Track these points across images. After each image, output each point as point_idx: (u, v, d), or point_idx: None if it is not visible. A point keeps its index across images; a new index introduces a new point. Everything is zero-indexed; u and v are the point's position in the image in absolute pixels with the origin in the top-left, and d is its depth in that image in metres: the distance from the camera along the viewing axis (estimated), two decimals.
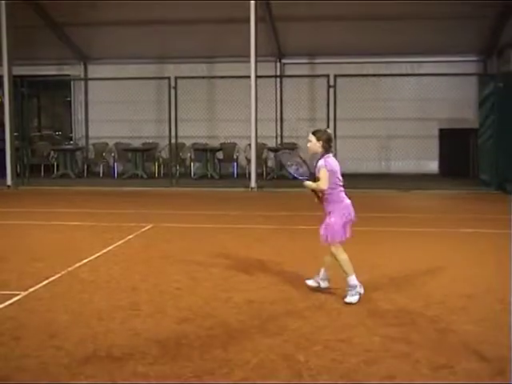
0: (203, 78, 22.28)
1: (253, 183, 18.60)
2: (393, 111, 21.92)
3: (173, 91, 19.21)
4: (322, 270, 7.01)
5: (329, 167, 6.53)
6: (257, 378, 4.68)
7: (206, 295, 7.01)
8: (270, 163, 22.31)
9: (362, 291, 6.66)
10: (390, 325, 5.92)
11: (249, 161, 19.96)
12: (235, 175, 22.00)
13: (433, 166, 22.49)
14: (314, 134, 6.64)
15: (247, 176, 19.81)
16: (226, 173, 22.29)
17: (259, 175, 19.46)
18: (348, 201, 6.73)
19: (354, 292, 6.60)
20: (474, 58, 22.94)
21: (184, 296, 6.98)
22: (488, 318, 6.18)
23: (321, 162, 6.56)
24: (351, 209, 6.72)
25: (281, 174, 20.94)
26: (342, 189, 6.70)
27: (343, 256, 6.70)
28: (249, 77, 18.47)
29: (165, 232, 11.39)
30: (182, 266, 8.51)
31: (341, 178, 6.69)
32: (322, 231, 6.75)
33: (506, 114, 17.83)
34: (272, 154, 22.24)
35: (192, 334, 5.66)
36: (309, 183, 6.68)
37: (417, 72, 22.00)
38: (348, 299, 6.56)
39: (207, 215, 13.68)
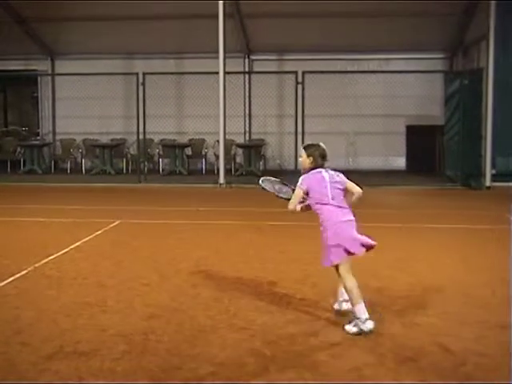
0: (171, 73, 22.21)
1: (221, 179, 18.59)
2: (361, 108, 22.05)
3: (141, 87, 19.12)
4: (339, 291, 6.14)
5: (305, 185, 5.95)
6: (224, 372, 4.72)
7: (174, 291, 7.02)
8: (238, 159, 22.32)
9: (367, 327, 5.55)
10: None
11: (217, 157, 19.96)
12: (204, 171, 21.98)
13: (400, 163, 22.68)
14: (305, 148, 6.08)
15: (216, 172, 19.81)
16: (194, 169, 22.25)
17: (228, 171, 19.46)
18: (345, 219, 5.93)
19: (355, 323, 5.63)
20: (441, 56, 23.17)
21: (151, 292, 6.98)
22: (451, 311, 6.27)
23: (300, 180, 6.03)
24: (348, 231, 5.90)
25: (249, 169, 20.98)
26: (332, 205, 5.92)
27: (349, 283, 5.75)
28: (217, 73, 18.45)
29: (133, 228, 11.36)
30: (149, 262, 8.51)
31: (329, 194, 5.93)
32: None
33: (470, 111, 18.07)
34: (240, 150, 22.26)
35: (159, 330, 5.68)
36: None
37: (384, 69, 22.17)
38: (348, 327, 5.63)
39: (176, 211, 13.66)
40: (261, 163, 22.14)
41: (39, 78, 24.83)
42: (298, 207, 6.06)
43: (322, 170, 6.02)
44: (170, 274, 7.85)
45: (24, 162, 22.51)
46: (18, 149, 22.85)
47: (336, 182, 6.05)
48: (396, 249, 9.46)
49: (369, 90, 21.99)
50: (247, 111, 23.23)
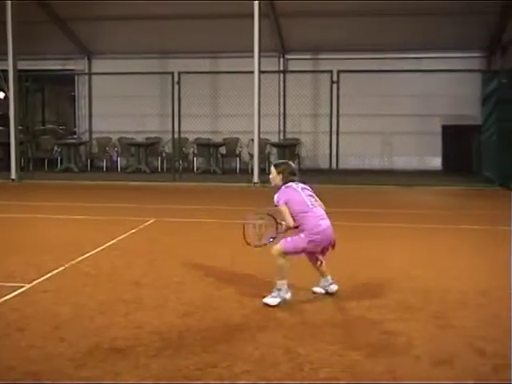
0: (207, 73, 22.33)
1: (256, 178, 18.64)
2: (396, 107, 21.94)
3: (176, 86, 19.26)
4: (322, 280, 6.79)
5: (282, 200, 6.38)
6: (259, 370, 4.74)
7: (209, 289, 7.06)
8: (272, 158, 22.33)
9: (287, 296, 6.38)
10: (391, 320, 5.97)
11: (251, 156, 20.01)
12: (238, 170, 22.04)
13: (436, 162, 22.51)
14: (275, 166, 6.60)
15: (250, 171, 19.85)
16: (228, 168, 22.34)
17: (262, 170, 19.50)
18: (324, 224, 6.38)
19: (275, 294, 6.36)
20: (478, 54, 22.92)
21: (186, 290, 7.03)
22: (489, 314, 6.22)
23: (275, 198, 6.44)
24: (327, 235, 6.39)
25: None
26: (314, 212, 6.40)
27: (283, 261, 6.33)
28: (252, 72, 18.51)
29: (167, 226, 11.45)
30: (184, 260, 8.56)
31: (307, 201, 6.43)
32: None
33: (509, 111, 17.84)
34: (275, 150, 22.27)
35: (194, 328, 5.72)
36: (283, 228, 6.50)
37: (420, 68, 21.99)
38: (267, 300, 6.34)
39: (210, 210, 13.73)
40: (295, 162, 22.09)
41: (76, 77, 25.12)
42: (291, 223, 6.40)
43: (292, 184, 6.50)
44: (204, 272, 7.89)
45: (61, 160, 22.81)
46: (56, 147, 23.14)
47: (307, 189, 6.58)
48: (434, 250, 9.41)
49: (404, 89, 21.86)
50: (282, 110, 23.24)
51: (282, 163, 6.67)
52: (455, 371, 4.76)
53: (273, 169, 6.56)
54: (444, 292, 6.97)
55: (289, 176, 6.50)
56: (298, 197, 6.38)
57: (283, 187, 6.48)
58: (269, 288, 7.03)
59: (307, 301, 6.60)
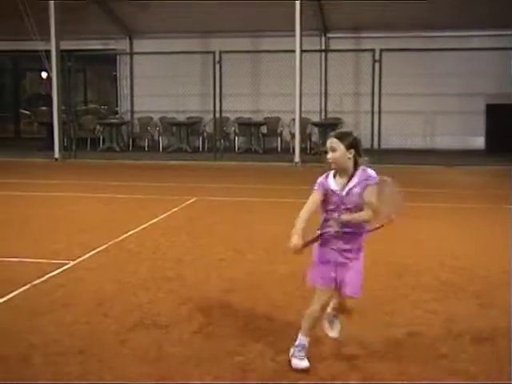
0: (248, 52, 22.24)
1: (297, 158, 18.59)
2: (439, 86, 21.60)
3: (217, 65, 19.25)
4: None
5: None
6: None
7: (250, 267, 7.09)
8: (314, 138, 22.22)
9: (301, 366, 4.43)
10: (433, 299, 5.94)
11: (293, 135, 19.94)
12: (279, 150, 22.00)
13: (479, 142, 22.15)
14: (340, 138, 4.41)
15: (291, 151, 19.80)
16: (269, 147, 22.30)
17: (303, 150, 19.41)
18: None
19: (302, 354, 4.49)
20: None
21: (228, 267, 7.08)
22: None
23: (369, 174, 4.47)
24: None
25: (324, 149, 20.91)
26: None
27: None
28: (293, 51, 18.39)
29: (209, 205, 11.50)
30: (226, 239, 8.61)
31: None
32: (352, 278, 4.53)
33: None
34: (316, 129, 22.16)
35: (236, 305, 5.76)
36: (352, 217, 4.43)
37: (464, 46, 21.61)
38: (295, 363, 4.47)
39: (251, 189, 13.75)
40: None
41: (118, 57, 25.24)
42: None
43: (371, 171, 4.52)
44: (246, 250, 7.93)
45: (103, 139, 22.99)
46: (98, 127, 23.32)
47: None
48: (476, 229, 9.31)
49: (447, 68, 21.53)
50: (323, 89, 23.09)
51: (349, 134, 4.50)
52: (496, 348, 4.73)
53: (337, 142, 4.38)
54: (487, 271, 6.90)
55: (361, 155, 4.52)
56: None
57: (364, 171, 4.48)
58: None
59: None
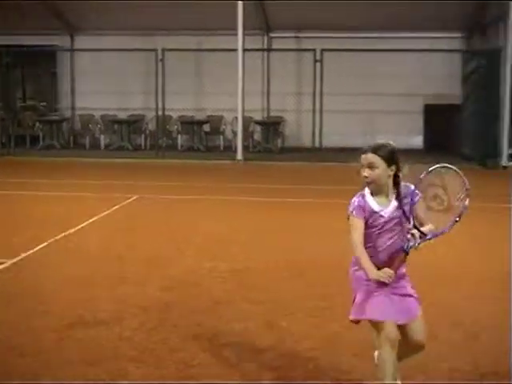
0: (191, 50, 22.20)
1: (239, 156, 18.67)
2: (379, 86, 21.93)
3: (160, 63, 19.18)
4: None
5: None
6: (242, 342, 4.82)
7: (191, 264, 7.12)
8: (256, 136, 22.34)
9: None
10: None
11: (235, 133, 20.02)
12: (221, 148, 22.04)
13: (418, 141, 22.61)
14: (379, 154, 3.78)
15: (234, 149, 19.87)
16: (212, 145, 22.31)
17: (245, 148, 19.50)
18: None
19: None
20: (458, 35, 23.00)
21: (169, 265, 7.09)
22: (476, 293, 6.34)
23: (412, 190, 3.87)
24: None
25: (267, 147, 21.07)
26: None
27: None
28: (236, 50, 18.47)
29: (150, 203, 11.47)
30: (167, 236, 8.62)
31: None
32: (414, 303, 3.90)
33: (488, 91, 18.00)
34: (258, 128, 22.28)
35: (177, 302, 5.79)
36: (428, 228, 3.83)
37: (403, 47, 21.98)
38: None
39: (193, 186, 13.74)
40: (279, 140, 22.17)
41: (58, 54, 24.90)
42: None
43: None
44: (186, 247, 7.96)
45: (43, 137, 22.65)
46: (37, 124, 22.96)
47: None
48: None
49: (388, 68, 21.86)
50: (265, 88, 23.21)
51: (388, 146, 3.86)
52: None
53: (376, 158, 3.77)
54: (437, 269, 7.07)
55: (401, 169, 3.92)
56: None
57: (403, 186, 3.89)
58: (249, 263, 7.10)
59: (289, 276, 6.68)
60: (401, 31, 22.08)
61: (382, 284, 3.70)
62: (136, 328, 5.10)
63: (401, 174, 3.89)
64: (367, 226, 3.80)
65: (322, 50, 18.54)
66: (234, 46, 18.53)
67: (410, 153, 16.19)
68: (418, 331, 3.83)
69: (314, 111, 18.91)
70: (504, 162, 17.72)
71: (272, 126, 22.01)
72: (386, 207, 3.81)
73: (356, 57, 21.39)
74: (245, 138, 19.69)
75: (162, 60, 19.17)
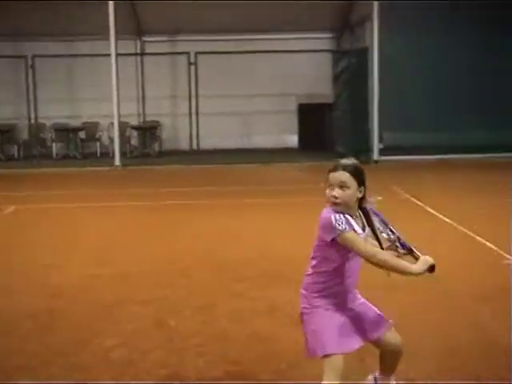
0: (62, 56, 21.85)
1: (117, 161, 18.57)
2: (254, 87, 22.36)
3: (30, 70, 18.79)
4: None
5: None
6: (132, 342, 4.93)
7: (77, 271, 7.13)
8: (133, 141, 22.26)
9: None
10: (255, 287, 6.30)
11: (112, 140, 19.89)
12: (98, 154, 21.82)
13: (293, 140, 23.21)
14: (352, 173, 3.54)
15: (111, 155, 19.74)
16: (89, 152, 22.04)
17: (123, 154, 19.43)
18: None
19: None
20: (329, 35, 23.80)
21: (55, 273, 7.06)
22: None
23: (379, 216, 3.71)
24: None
25: (145, 151, 21.06)
26: None
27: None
28: (109, 55, 18.36)
29: (29, 213, 11.27)
30: (50, 245, 8.55)
31: None
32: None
33: (358, 89, 18.77)
34: (135, 133, 22.22)
35: (65, 308, 5.81)
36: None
37: (276, 49, 22.48)
38: None
39: (73, 195, 13.58)
40: (156, 145, 22.18)
41: None
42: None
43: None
44: (71, 254, 7.94)
45: None
46: None
47: None
48: (294, 222, 9.82)
49: (261, 69, 22.34)
50: (141, 93, 23.17)
51: (359, 167, 3.61)
52: None
53: (349, 178, 3.53)
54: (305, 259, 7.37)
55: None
56: None
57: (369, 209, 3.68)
58: (136, 267, 7.20)
59: (174, 277, 6.83)
60: (273, 33, 22.58)
61: (341, 306, 3.59)
62: (26, 336, 5.12)
63: (368, 197, 3.65)
64: (341, 247, 3.51)
65: (196, 53, 18.73)
66: (106, 51, 18.40)
67: (285, 152, 16.83)
68: (394, 336, 3.73)
69: (190, 114, 19.11)
70: (375, 156, 18.52)
71: (149, 130, 22.02)
72: (363, 229, 3.57)
73: (231, 59, 21.73)
74: (122, 144, 19.59)
75: (32, 66, 18.77)
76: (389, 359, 3.82)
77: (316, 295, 3.63)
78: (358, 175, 3.53)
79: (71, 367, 4.52)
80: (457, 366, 4.47)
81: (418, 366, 4.43)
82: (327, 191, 3.54)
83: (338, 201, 3.49)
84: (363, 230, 3.56)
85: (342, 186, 3.49)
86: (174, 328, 5.25)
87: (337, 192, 3.49)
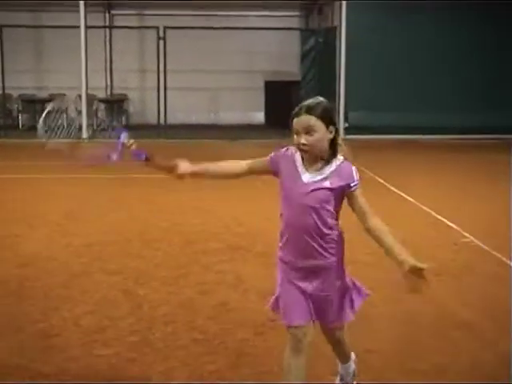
0: (30, 27, 21.63)
1: (84, 134, 18.52)
2: (222, 63, 22.37)
3: None
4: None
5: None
6: (101, 310, 5.07)
7: (45, 241, 7.23)
8: (100, 114, 22.17)
9: None
10: (222, 261, 6.46)
11: (79, 112, 19.81)
12: (65, 127, 21.64)
13: (259, 117, 23.32)
14: (312, 113, 3.23)
15: (78, 127, 19.63)
16: (55, 124, 21.86)
17: (90, 126, 19.37)
18: None
19: None
20: (297, 13, 23.89)
21: (23, 242, 7.15)
22: None
23: (353, 170, 3.27)
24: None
25: (112, 125, 21.01)
26: None
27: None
28: (78, 27, 18.24)
29: None
30: (18, 215, 8.60)
31: None
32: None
33: (325, 68, 18.92)
34: (103, 106, 22.13)
35: (34, 277, 5.92)
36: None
37: (245, 26, 22.52)
38: None
39: (38, 166, 13.52)
40: (123, 118, 22.14)
41: None
42: None
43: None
44: (39, 224, 8.02)
45: None
46: None
47: None
48: (260, 200, 9.97)
49: (229, 46, 22.35)
50: (108, 66, 23.05)
51: (323, 103, 3.29)
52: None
53: (316, 120, 3.20)
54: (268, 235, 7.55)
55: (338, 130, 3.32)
56: None
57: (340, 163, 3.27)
58: (104, 237, 7.31)
59: (143, 248, 6.96)
60: (243, 9, 22.59)
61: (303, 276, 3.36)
62: None
63: (339, 139, 3.28)
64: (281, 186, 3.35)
65: (165, 28, 18.70)
66: (75, 22, 18.27)
67: (252, 128, 16.95)
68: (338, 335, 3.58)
69: (158, 89, 19.09)
70: (341, 135, 18.66)
71: (116, 103, 21.97)
72: (312, 177, 3.25)
73: (200, 34, 21.69)
74: (89, 117, 19.54)
75: None
76: (334, 349, 3.70)
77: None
78: (326, 116, 3.19)
79: (40, 334, 4.64)
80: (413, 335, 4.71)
81: (375, 335, 4.65)
82: (295, 138, 3.25)
83: (306, 148, 3.20)
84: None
85: (309, 130, 3.18)
86: (143, 297, 5.40)
87: (304, 138, 3.19)
